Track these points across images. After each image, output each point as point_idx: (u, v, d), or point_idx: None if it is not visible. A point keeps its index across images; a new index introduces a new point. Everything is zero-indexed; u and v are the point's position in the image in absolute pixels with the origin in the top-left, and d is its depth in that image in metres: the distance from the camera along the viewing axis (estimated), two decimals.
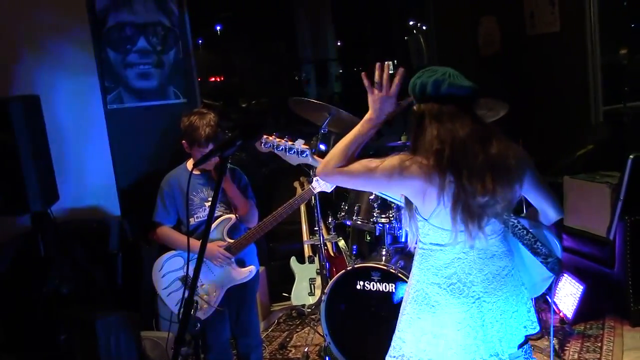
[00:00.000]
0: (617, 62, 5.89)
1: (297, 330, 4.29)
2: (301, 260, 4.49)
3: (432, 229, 1.97)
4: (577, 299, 3.85)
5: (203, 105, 4.65)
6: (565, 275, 3.96)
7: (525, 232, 2.02)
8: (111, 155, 4.00)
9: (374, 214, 3.48)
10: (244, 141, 1.96)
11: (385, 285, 3.28)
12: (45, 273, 3.28)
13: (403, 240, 3.51)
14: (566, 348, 3.64)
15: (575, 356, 3.56)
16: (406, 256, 3.39)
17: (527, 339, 2.10)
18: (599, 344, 3.66)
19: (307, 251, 4.49)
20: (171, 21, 4.18)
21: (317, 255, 4.16)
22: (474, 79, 1.97)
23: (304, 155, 2.36)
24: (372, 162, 1.95)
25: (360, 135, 2.01)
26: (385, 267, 3.28)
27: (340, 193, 3.81)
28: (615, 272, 3.88)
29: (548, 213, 2.12)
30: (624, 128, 4.97)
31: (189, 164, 3.07)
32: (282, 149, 2.39)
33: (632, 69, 5.73)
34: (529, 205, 2.15)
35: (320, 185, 3.11)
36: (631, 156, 3.74)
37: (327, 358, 3.53)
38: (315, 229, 3.73)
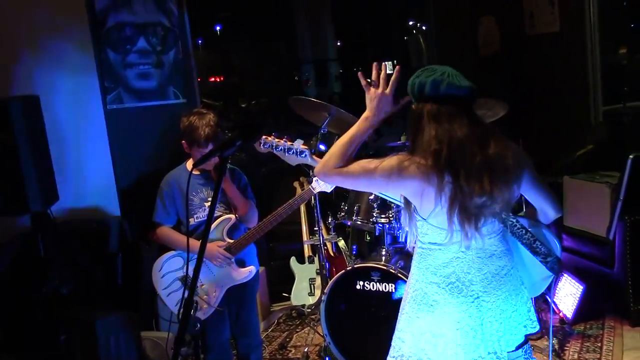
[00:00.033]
0: (616, 62, 5.89)
1: (297, 330, 4.30)
2: (301, 260, 4.49)
3: (431, 228, 1.97)
4: (577, 299, 3.85)
5: (203, 105, 4.65)
6: (565, 275, 3.96)
7: (524, 232, 2.02)
8: (111, 156, 3.99)
9: (374, 214, 3.49)
10: (244, 141, 1.96)
11: (385, 285, 3.28)
12: (45, 273, 3.28)
13: (403, 240, 3.50)
14: (566, 348, 3.64)
15: (575, 356, 3.56)
16: (406, 256, 3.39)
17: (527, 338, 2.10)
18: (599, 344, 3.66)
19: (307, 251, 4.49)
20: (171, 21, 4.18)
21: (317, 256, 4.16)
22: (474, 79, 1.97)
23: (303, 155, 2.36)
24: (371, 163, 1.95)
25: (357, 134, 2.01)
26: (385, 267, 3.28)
27: (340, 193, 3.81)
28: (615, 272, 3.88)
29: (547, 212, 2.12)
30: (624, 128, 4.97)
31: (189, 164, 3.07)
32: (281, 149, 2.39)
33: (631, 68, 5.74)
34: (528, 204, 2.16)
35: (320, 185, 3.11)
36: (631, 156, 3.74)
37: (327, 358, 3.53)
38: (315, 229, 3.73)
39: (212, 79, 12.14)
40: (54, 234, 3.38)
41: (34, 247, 3.26)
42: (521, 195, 2.09)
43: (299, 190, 4.49)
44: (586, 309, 3.87)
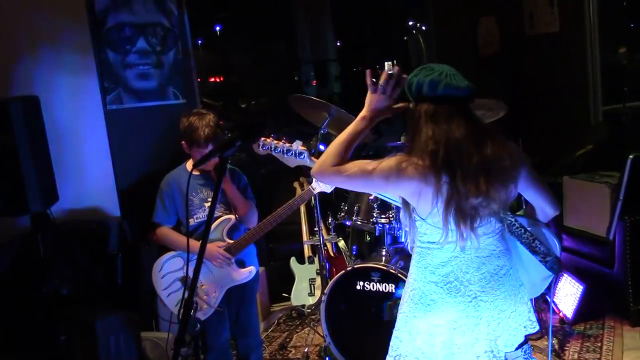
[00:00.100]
0: (616, 62, 5.89)
1: (297, 330, 4.29)
2: (301, 260, 4.49)
3: (430, 228, 1.97)
4: (577, 299, 3.84)
5: (202, 106, 4.65)
6: (565, 275, 3.96)
7: (523, 231, 2.02)
8: (111, 156, 3.99)
9: (374, 214, 3.48)
10: (244, 142, 1.96)
11: (385, 286, 3.28)
12: (45, 274, 3.28)
13: (403, 240, 3.50)
14: (566, 348, 3.64)
15: (575, 356, 3.56)
16: (406, 256, 3.39)
17: (527, 339, 2.10)
18: (599, 344, 3.66)
19: (307, 251, 4.49)
20: (170, 21, 4.18)
21: (317, 256, 4.16)
22: (473, 79, 1.96)
23: (302, 157, 2.36)
24: (368, 164, 1.94)
25: (354, 133, 2.01)
26: (385, 268, 3.28)
27: (340, 193, 3.81)
28: (615, 272, 3.88)
29: (545, 210, 2.12)
30: (624, 128, 4.97)
31: (189, 164, 3.07)
32: (280, 151, 2.39)
33: (631, 68, 5.73)
34: (527, 202, 2.16)
35: (319, 185, 3.11)
36: (630, 156, 3.74)
37: (327, 358, 3.53)
38: (315, 229, 3.73)
39: (212, 79, 12.12)
40: (53, 235, 3.39)
41: (34, 247, 3.26)
42: (520, 195, 2.09)
43: (298, 191, 4.48)
44: (586, 309, 3.88)
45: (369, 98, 2.02)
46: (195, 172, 3.04)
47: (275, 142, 2.40)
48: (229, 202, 3.07)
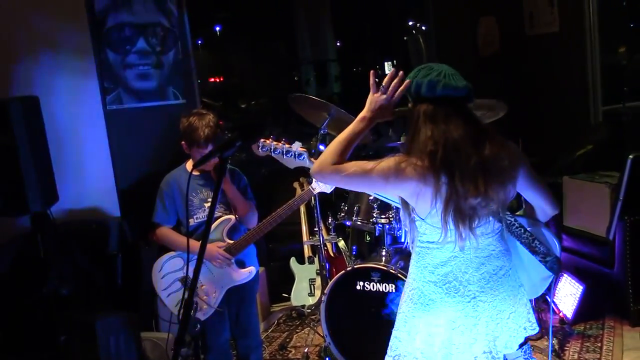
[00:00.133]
0: (616, 62, 5.89)
1: (297, 330, 4.29)
2: (301, 260, 4.49)
3: (429, 227, 1.97)
4: (577, 299, 3.84)
5: (202, 106, 4.65)
6: (565, 275, 3.96)
7: (522, 231, 2.02)
8: (110, 156, 4.00)
9: (374, 214, 3.48)
10: (244, 142, 1.96)
11: (385, 286, 3.28)
12: (44, 274, 3.27)
13: (403, 240, 3.50)
14: (566, 348, 3.64)
15: (575, 356, 3.56)
16: (406, 256, 3.39)
17: (527, 339, 2.10)
18: (599, 344, 3.66)
19: (306, 252, 4.49)
20: (170, 22, 4.18)
21: (316, 256, 4.16)
22: (473, 79, 1.97)
23: (302, 158, 2.36)
24: (368, 164, 1.94)
25: (354, 133, 2.01)
26: (385, 268, 3.28)
27: (340, 194, 3.81)
28: (615, 272, 3.88)
29: (544, 209, 2.12)
30: (623, 128, 4.97)
31: (189, 164, 3.07)
32: (279, 152, 2.39)
33: (631, 68, 5.73)
34: (526, 202, 2.16)
35: (319, 186, 3.11)
36: (630, 156, 3.74)
37: (327, 358, 3.53)
38: (315, 229, 3.72)
39: (212, 80, 12.12)
40: (53, 235, 3.38)
41: (34, 247, 3.26)
42: (520, 194, 2.09)
43: (298, 191, 4.48)
44: (586, 309, 3.88)
45: (370, 98, 2.02)
46: (195, 173, 3.03)
47: (275, 143, 2.40)
48: (229, 202, 3.07)
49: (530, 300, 2.13)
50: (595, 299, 3.93)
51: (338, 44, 12.99)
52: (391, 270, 3.25)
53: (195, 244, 2.91)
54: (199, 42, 11.39)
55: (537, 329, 2.09)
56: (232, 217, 3.07)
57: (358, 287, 3.35)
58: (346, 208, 3.67)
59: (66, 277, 3.48)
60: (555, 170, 4.55)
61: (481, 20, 5.92)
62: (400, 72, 2.00)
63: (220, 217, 3.06)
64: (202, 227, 3.03)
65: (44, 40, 3.78)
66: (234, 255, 3.05)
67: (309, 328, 4.27)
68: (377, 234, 3.57)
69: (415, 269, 2.05)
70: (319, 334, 3.98)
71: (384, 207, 3.45)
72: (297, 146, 2.39)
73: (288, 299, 4.48)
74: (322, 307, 3.42)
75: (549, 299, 3.69)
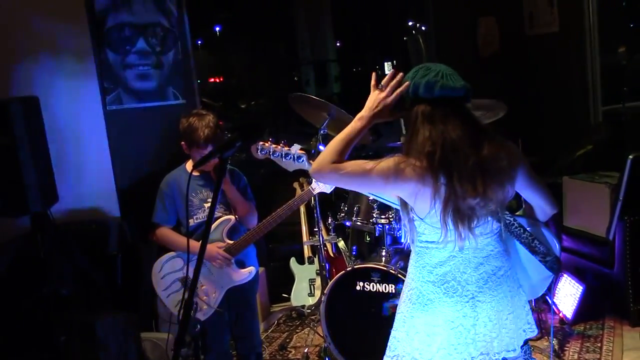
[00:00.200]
0: (616, 62, 5.89)
1: (297, 331, 4.29)
2: (301, 261, 4.49)
3: (428, 227, 1.97)
4: (577, 299, 3.85)
5: (202, 106, 4.64)
6: (564, 275, 3.96)
7: (522, 231, 2.02)
8: (110, 157, 3.99)
9: (374, 214, 3.48)
10: (243, 142, 1.96)
11: (385, 286, 3.28)
12: (44, 274, 3.27)
13: (403, 240, 3.50)
14: (566, 348, 3.64)
15: (575, 356, 3.56)
16: (406, 257, 3.38)
17: (526, 340, 2.10)
18: (599, 344, 3.66)
19: (306, 252, 4.49)
20: (170, 22, 4.18)
21: (316, 256, 4.16)
22: (473, 79, 1.96)
23: (301, 160, 2.36)
24: (367, 164, 1.94)
25: (353, 132, 2.00)
26: (385, 268, 3.28)
27: (340, 194, 3.81)
28: (615, 272, 3.88)
29: (544, 209, 2.12)
30: (623, 128, 4.97)
31: (189, 165, 3.07)
32: (278, 155, 2.39)
33: (631, 68, 5.73)
34: (525, 202, 2.15)
35: (319, 186, 3.11)
36: (630, 156, 3.74)
37: (327, 359, 3.53)
38: (315, 229, 3.72)
39: (212, 80, 12.13)
40: (53, 235, 3.38)
41: (34, 248, 3.26)
42: (519, 194, 2.09)
43: (298, 191, 4.48)
44: (586, 309, 3.88)
45: (371, 99, 2.03)
46: (195, 173, 3.04)
47: (274, 146, 2.40)
48: (229, 202, 3.07)
49: (530, 301, 2.13)
50: (595, 299, 3.93)
51: (338, 44, 13.00)
52: (391, 271, 3.25)
53: (195, 244, 2.91)
54: (199, 42, 11.40)
55: (536, 331, 2.09)
56: (232, 217, 3.07)
57: (358, 288, 3.35)
58: (346, 208, 3.67)
59: (66, 277, 3.47)
60: (555, 170, 4.55)
61: (481, 21, 5.92)
62: (400, 74, 2.00)
63: (220, 217, 3.06)
64: (202, 228, 3.03)
65: (44, 40, 3.77)
66: (233, 255, 3.05)
67: (308, 328, 4.27)
68: (377, 235, 3.57)
69: (414, 269, 2.05)
70: (319, 334, 3.98)
71: (384, 207, 3.45)
72: (296, 149, 2.39)
73: (288, 299, 4.48)
74: (322, 307, 3.42)
75: (549, 299, 3.70)
